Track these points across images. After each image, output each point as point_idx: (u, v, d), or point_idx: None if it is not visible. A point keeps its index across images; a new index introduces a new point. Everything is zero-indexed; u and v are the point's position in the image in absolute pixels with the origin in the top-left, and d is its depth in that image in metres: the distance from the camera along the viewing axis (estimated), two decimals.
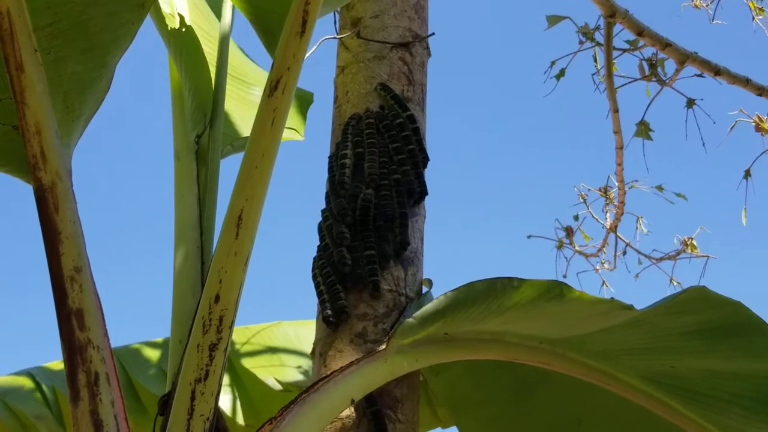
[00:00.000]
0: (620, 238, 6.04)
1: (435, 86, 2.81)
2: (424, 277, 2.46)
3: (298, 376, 3.68)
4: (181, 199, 2.49)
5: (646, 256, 6.00)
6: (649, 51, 5.32)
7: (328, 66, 2.79)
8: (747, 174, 5.49)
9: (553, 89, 5.55)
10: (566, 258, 6.23)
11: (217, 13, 3.15)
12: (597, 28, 5.31)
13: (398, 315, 2.30)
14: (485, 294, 2.12)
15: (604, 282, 6.13)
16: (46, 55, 2.00)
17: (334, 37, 2.77)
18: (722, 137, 5.45)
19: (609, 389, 2.22)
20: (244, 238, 1.92)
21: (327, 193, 2.47)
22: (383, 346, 2.16)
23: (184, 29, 2.77)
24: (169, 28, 2.76)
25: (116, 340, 2.08)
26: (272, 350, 3.76)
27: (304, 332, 3.82)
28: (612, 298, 2.08)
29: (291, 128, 3.44)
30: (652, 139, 5.43)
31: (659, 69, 5.34)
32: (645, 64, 5.38)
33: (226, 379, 3.57)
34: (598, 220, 6.11)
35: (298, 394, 2.04)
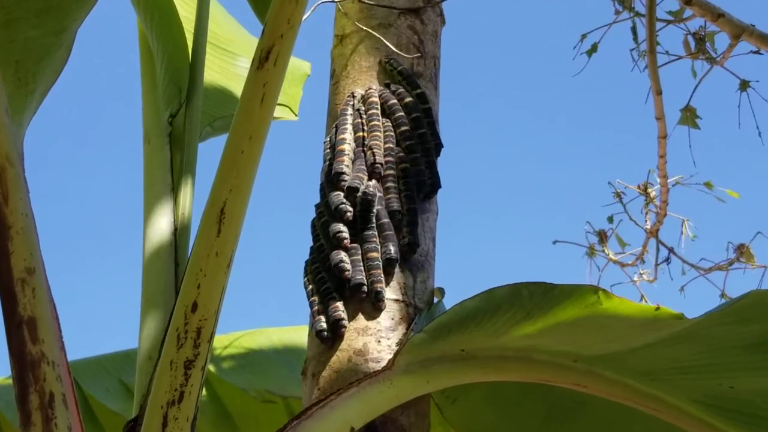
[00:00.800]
0: (662, 244, 6.04)
1: (450, 60, 2.81)
2: (435, 286, 2.46)
3: (283, 387, 3.68)
4: (151, 189, 2.49)
5: (692, 265, 6.00)
6: (696, 24, 5.33)
7: (324, 34, 2.79)
8: None
9: (583, 67, 5.55)
10: (598, 267, 6.25)
11: None
12: None
13: (405, 329, 2.30)
14: (509, 303, 2.13)
15: (642, 296, 6.13)
16: None
17: (332, 0, 2.77)
18: None
19: (656, 415, 2.22)
20: (227, 236, 1.92)
21: (322, 184, 2.47)
22: (388, 366, 2.15)
23: None
24: None
25: (70, 355, 2.08)
26: (253, 358, 3.77)
27: (291, 339, 3.83)
28: (658, 305, 2.08)
29: (283, 105, 3.45)
30: (699, 128, 5.43)
31: (708, 44, 5.34)
32: (691, 39, 5.39)
33: None
34: (636, 223, 6.11)
35: (288, 422, 2.04)
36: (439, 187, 2.51)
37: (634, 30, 5.43)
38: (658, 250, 6.08)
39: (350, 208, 2.35)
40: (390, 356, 2.20)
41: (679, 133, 5.60)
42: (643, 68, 5.38)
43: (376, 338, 2.28)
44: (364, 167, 2.41)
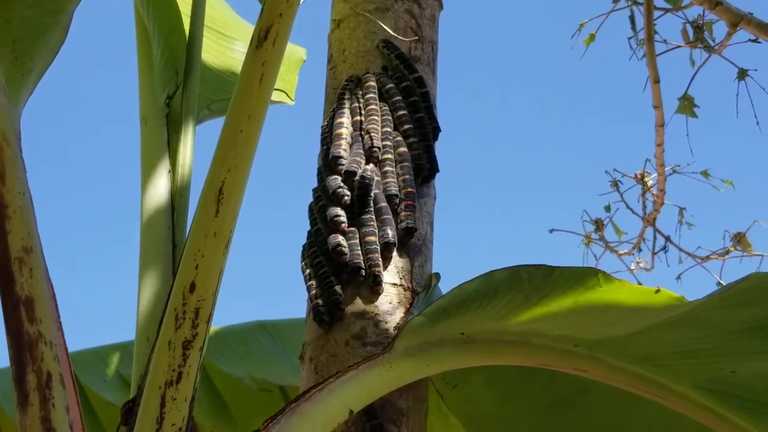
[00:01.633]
0: (659, 232, 6.05)
1: (448, 45, 2.81)
2: (433, 271, 2.47)
3: (280, 376, 3.69)
4: (148, 170, 2.50)
5: (689, 254, 6.02)
6: (694, 12, 5.34)
7: (321, 20, 2.79)
8: None
9: (582, 56, 5.57)
10: (595, 256, 6.26)
11: None
12: None
13: (404, 313, 2.30)
14: (508, 286, 2.13)
15: (640, 285, 6.12)
16: None
17: None
18: None
19: (658, 401, 2.23)
20: (225, 216, 1.92)
21: (319, 168, 2.47)
22: (387, 349, 2.16)
23: None
24: None
25: (69, 344, 2.08)
26: (248, 346, 3.77)
27: (288, 329, 3.83)
28: (658, 288, 2.08)
29: (279, 90, 3.45)
30: (696, 116, 5.45)
31: (706, 33, 5.35)
32: (689, 28, 5.40)
33: None
34: (633, 212, 6.12)
35: (286, 404, 2.04)
36: (437, 171, 2.51)
37: (632, 18, 5.46)
38: (655, 238, 6.11)
39: (348, 192, 2.35)
40: (388, 340, 2.21)
41: (677, 122, 5.62)
42: (641, 57, 5.41)
43: (374, 322, 2.28)
44: (361, 151, 2.41)
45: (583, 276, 2.09)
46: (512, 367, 2.46)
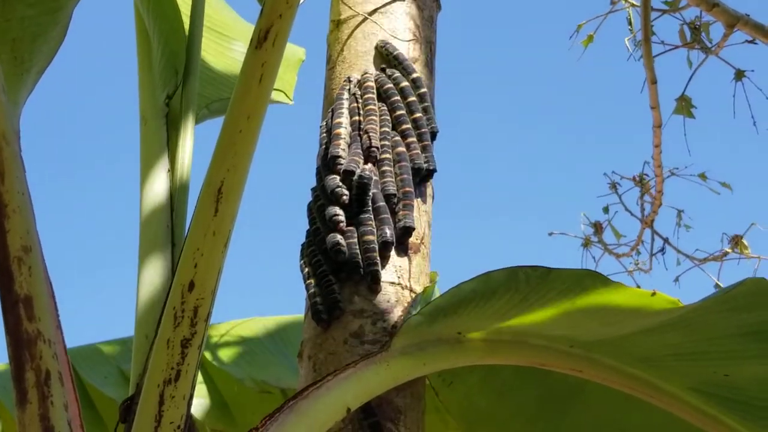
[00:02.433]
0: (657, 234, 6.04)
1: (445, 46, 2.81)
2: (431, 270, 2.47)
3: (279, 377, 3.69)
4: (148, 169, 2.50)
5: (687, 256, 6.01)
6: (692, 13, 5.34)
7: (320, 21, 2.79)
8: None
9: (580, 57, 5.57)
10: (594, 258, 6.25)
11: None
12: None
13: (402, 311, 2.30)
14: (505, 286, 2.13)
15: (637, 286, 6.11)
16: None
17: None
18: None
19: (651, 402, 2.23)
20: (224, 215, 1.92)
21: (318, 168, 2.47)
22: (385, 348, 2.16)
23: None
24: None
25: (69, 342, 2.08)
26: (249, 346, 3.77)
27: (286, 328, 3.83)
28: (654, 291, 2.08)
29: (279, 90, 3.45)
30: (694, 117, 5.45)
31: (703, 34, 5.35)
32: (687, 29, 5.40)
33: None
34: (632, 214, 6.11)
35: (284, 402, 2.04)
36: (435, 171, 2.50)
37: (629, 20, 5.45)
38: (653, 240, 6.09)
39: (346, 192, 2.35)
40: (386, 338, 2.21)
41: (674, 124, 5.62)
42: (638, 58, 5.39)
43: (372, 320, 2.29)
44: (360, 151, 2.41)
45: (581, 278, 2.10)
46: (508, 367, 2.47)
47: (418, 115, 2.50)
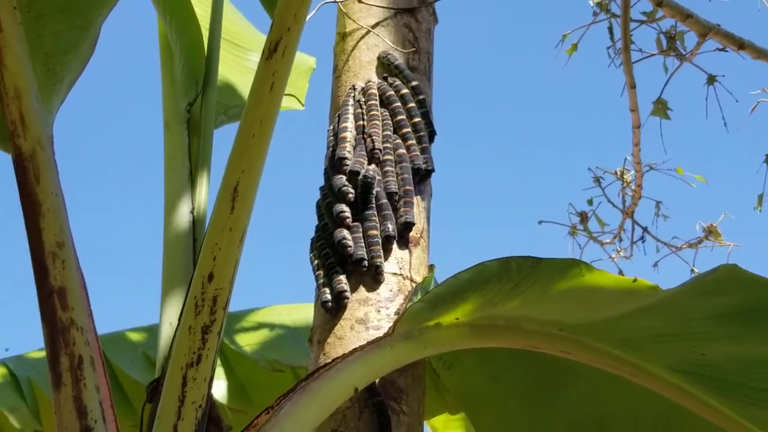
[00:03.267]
0: (637, 224, 6.03)
1: (442, 57, 2.80)
2: (430, 262, 2.46)
3: (292, 358, 3.68)
4: (171, 171, 2.50)
5: (665, 243, 6.00)
6: (667, 23, 5.34)
7: (328, 33, 2.79)
8: None
9: (565, 64, 5.57)
10: (580, 245, 6.24)
11: None
12: None
13: (403, 299, 2.30)
14: (499, 275, 2.12)
15: (620, 272, 6.10)
16: (26, 13, 1.99)
17: (334, 0, 2.77)
18: (744, 117, 5.47)
19: (635, 381, 2.21)
20: (240, 213, 1.92)
21: (326, 169, 2.47)
22: (389, 333, 2.15)
23: None
24: None
25: (99, 329, 2.08)
26: (264, 331, 3.77)
27: (299, 315, 3.83)
28: (635, 278, 2.07)
29: (290, 95, 3.44)
30: (669, 118, 5.45)
31: (678, 43, 5.35)
32: (663, 38, 5.39)
33: None
34: (614, 205, 6.10)
35: (297, 383, 2.04)
36: (433, 170, 2.50)
37: (610, 30, 5.45)
38: (633, 229, 6.10)
39: (352, 190, 2.35)
40: (389, 324, 2.20)
41: (652, 124, 5.61)
42: (618, 65, 5.39)
43: (376, 308, 2.29)
44: (364, 153, 2.41)
45: (567, 266, 2.09)
46: (502, 350, 2.46)
47: (417, 119, 2.50)
